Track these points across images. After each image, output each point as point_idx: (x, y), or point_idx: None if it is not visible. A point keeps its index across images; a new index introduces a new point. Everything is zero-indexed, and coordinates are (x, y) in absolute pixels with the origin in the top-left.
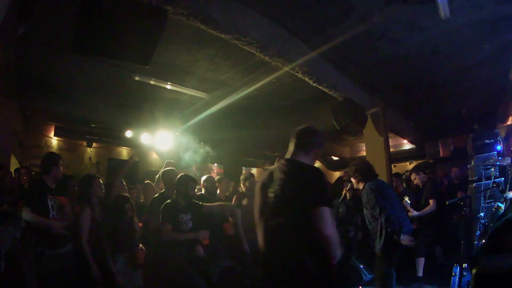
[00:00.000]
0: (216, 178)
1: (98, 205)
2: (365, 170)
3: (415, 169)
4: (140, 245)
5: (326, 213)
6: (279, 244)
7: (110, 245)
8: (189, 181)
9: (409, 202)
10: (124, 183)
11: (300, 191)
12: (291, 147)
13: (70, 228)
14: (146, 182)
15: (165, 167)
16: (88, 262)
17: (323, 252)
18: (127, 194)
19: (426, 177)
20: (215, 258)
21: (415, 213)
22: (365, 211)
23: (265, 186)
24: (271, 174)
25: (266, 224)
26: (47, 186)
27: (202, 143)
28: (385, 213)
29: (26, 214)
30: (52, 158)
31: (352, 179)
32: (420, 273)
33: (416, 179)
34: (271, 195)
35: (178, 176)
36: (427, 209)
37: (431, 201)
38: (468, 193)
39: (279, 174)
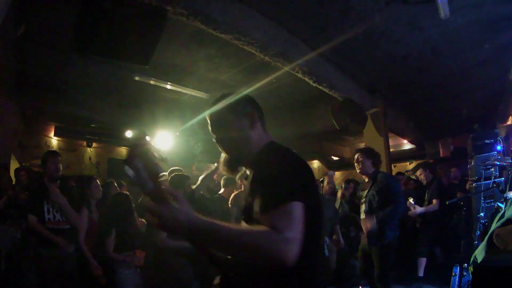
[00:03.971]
0: (223, 178)
1: (95, 206)
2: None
3: (423, 165)
4: None
5: None
6: None
7: (113, 244)
8: (184, 179)
9: (413, 203)
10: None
11: None
12: None
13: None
14: None
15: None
16: (88, 260)
17: None
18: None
19: (431, 176)
20: None
21: (419, 209)
22: None
23: None
24: None
25: None
26: (44, 188)
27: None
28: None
29: (32, 219)
30: (43, 158)
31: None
32: (421, 273)
33: (422, 175)
34: None
35: (171, 177)
36: (429, 207)
37: (434, 201)
38: (467, 188)
39: None
